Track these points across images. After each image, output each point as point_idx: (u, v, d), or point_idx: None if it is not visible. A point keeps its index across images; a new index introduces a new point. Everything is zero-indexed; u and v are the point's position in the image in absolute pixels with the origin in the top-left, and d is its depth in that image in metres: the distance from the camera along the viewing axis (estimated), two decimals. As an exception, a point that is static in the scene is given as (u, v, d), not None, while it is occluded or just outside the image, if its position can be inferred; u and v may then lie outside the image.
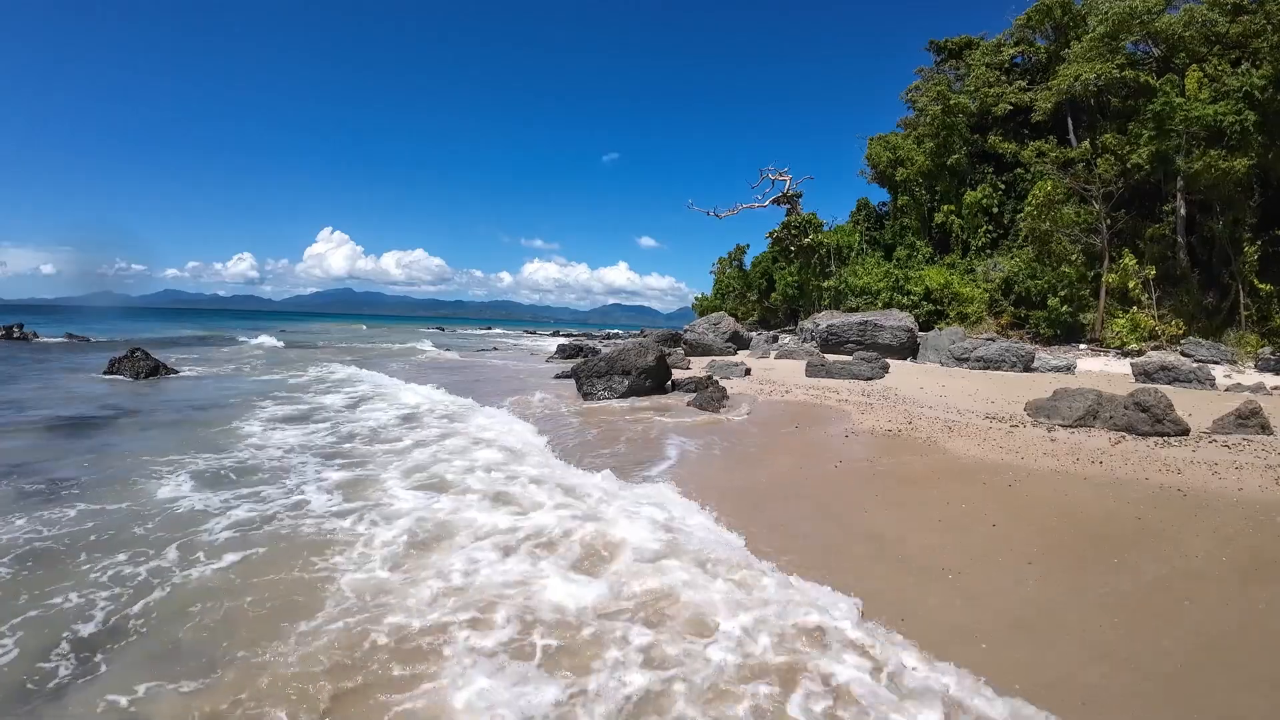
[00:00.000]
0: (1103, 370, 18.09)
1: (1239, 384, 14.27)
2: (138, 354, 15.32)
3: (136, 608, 3.81)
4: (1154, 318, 21.53)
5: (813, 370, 16.05)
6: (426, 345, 32.87)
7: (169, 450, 7.51)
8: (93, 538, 4.82)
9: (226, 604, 3.88)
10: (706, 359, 20.04)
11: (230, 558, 4.53)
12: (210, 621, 3.68)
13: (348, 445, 8.19)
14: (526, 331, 67.30)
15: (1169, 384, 13.76)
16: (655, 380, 12.73)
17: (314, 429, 9.17)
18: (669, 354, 15.97)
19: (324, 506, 5.70)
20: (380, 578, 4.29)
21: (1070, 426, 8.86)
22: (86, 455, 7.33)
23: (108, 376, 14.40)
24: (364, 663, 3.28)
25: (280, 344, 30.28)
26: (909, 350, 22.04)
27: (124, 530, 5.00)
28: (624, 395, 12.02)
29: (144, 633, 3.58)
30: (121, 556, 4.49)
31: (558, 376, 16.00)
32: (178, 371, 15.50)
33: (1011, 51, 32.38)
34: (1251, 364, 17.70)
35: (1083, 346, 22.52)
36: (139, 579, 4.18)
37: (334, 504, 5.78)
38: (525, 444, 8.38)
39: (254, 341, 31.58)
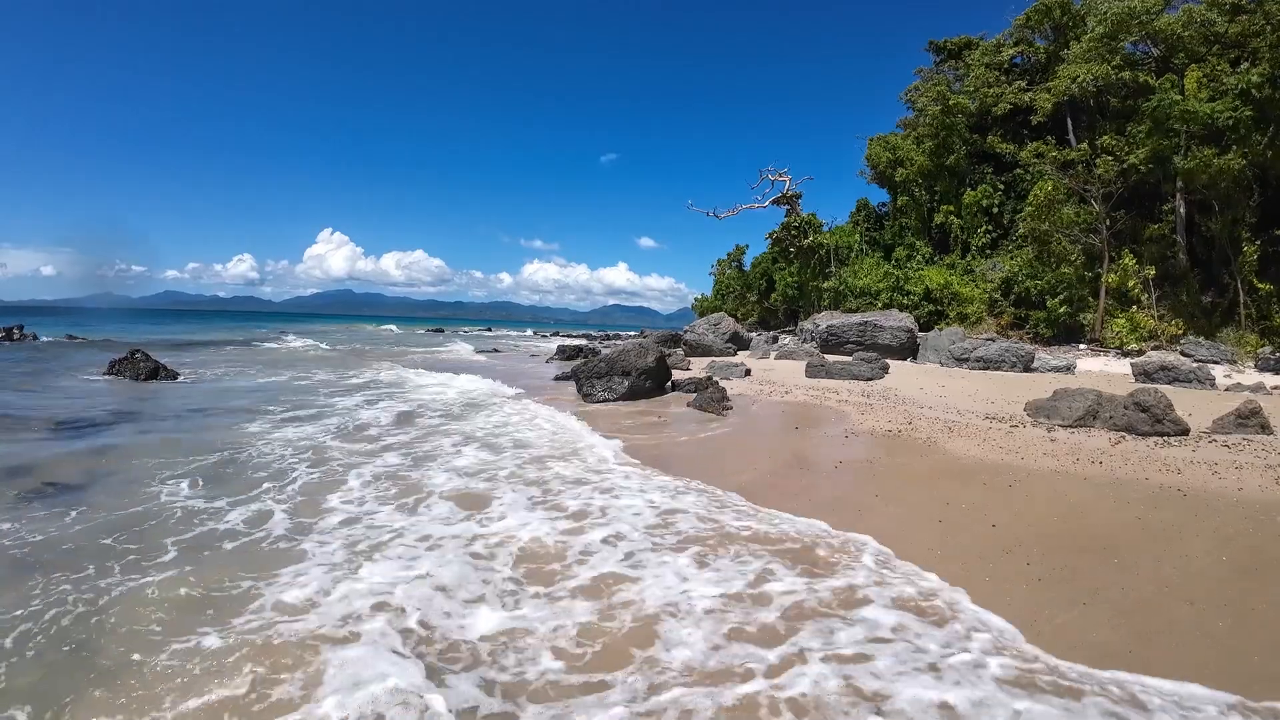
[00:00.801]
0: (1102, 370, 18.09)
1: (1239, 383, 14.26)
2: (138, 355, 15.33)
3: (65, 620, 3.68)
4: (1154, 317, 21.53)
5: (813, 371, 16.06)
6: (456, 345, 34.75)
7: (165, 455, 7.49)
8: (64, 546, 4.71)
9: (136, 620, 3.71)
10: (706, 359, 20.04)
11: (162, 575, 4.26)
12: (116, 633, 3.56)
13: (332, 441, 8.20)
14: (528, 332, 67.39)
15: (1169, 384, 13.75)
16: (655, 381, 12.73)
17: (323, 424, 9.19)
18: (669, 355, 15.96)
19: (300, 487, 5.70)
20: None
21: (1070, 427, 8.86)
22: (72, 461, 7.18)
23: (107, 377, 14.40)
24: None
25: (325, 346, 30.98)
26: (909, 351, 22.04)
27: (93, 538, 4.87)
28: (624, 396, 12.02)
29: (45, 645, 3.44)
30: (68, 569, 4.31)
31: (558, 378, 16.02)
32: (177, 375, 15.46)
33: (1011, 52, 32.40)
34: (1251, 363, 17.70)
35: (1082, 346, 22.52)
36: (73, 593, 3.99)
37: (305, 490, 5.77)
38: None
39: (294, 344, 31.40)
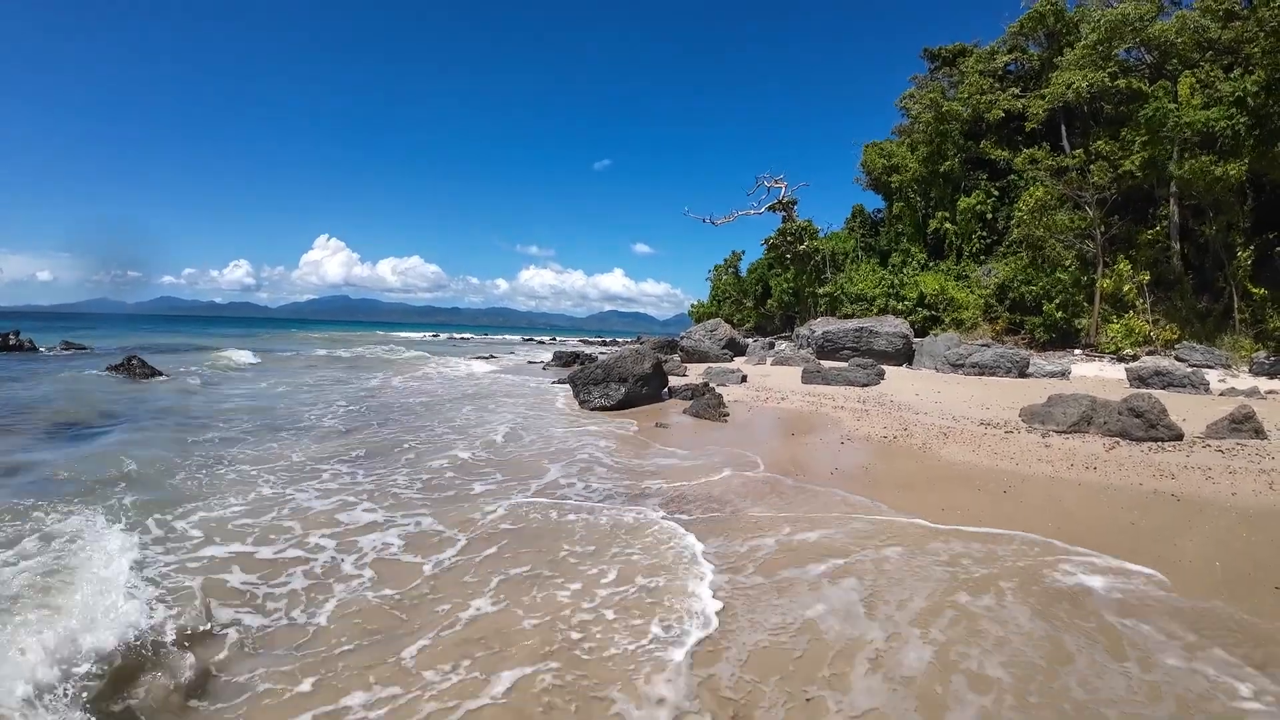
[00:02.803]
0: (1098, 375, 18.16)
1: (1233, 388, 14.32)
2: (134, 361, 15.31)
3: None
4: (1148, 322, 21.61)
5: (809, 377, 16.06)
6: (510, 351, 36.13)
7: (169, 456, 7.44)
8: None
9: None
10: (703, 366, 20.05)
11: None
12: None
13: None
14: (524, 339, 67.46)
15: (1163, 389, 13.80)
16: (652, 387, 12.72)
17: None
18: (666, 361, 15.97)
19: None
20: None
21: (1065, 432, 8.87)
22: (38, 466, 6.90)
23: (103, 381, 14.35)
24: None
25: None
26: (904, 356, 22.09)
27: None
28: (620, 402, 12.00)
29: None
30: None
31: (555, 384, 16.01)
32: (168, 376, 15.39)
33: (1005, 59, 32.57)
34: (1245, 368, 17.77)
35: (1078, 352, 22.58)
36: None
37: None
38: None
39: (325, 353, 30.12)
